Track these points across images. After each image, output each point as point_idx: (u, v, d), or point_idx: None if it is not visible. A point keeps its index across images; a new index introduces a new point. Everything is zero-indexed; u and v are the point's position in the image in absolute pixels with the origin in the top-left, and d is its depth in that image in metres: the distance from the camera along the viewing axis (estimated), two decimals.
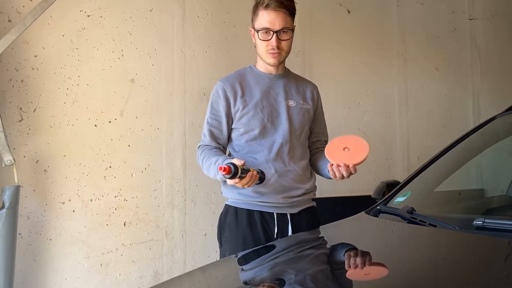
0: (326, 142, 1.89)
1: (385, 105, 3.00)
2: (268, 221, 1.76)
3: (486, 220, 1.19)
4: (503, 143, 1.96)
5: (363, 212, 1.67)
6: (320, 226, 1.71)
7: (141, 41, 2.27)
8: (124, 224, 2.21)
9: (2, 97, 2.00)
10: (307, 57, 2.72)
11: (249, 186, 1.58)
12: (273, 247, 1.58)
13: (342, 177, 1.64)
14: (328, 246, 1.54)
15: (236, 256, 1.58)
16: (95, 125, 2.17)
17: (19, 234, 2.00)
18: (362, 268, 1.18)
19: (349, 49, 2.87)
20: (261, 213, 1.75)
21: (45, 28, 2.08)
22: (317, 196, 1.90)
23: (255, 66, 1.83)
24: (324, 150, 1.68)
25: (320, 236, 1.65)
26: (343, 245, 1.45)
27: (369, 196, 1.85)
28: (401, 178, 1.87)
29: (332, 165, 1.63)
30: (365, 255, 1.29)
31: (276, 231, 1.75)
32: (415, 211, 1.44)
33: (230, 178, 1.51)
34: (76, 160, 2.13)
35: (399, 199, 1.66)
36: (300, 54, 2.69)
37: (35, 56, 2.06)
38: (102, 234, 2.17)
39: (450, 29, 3.27)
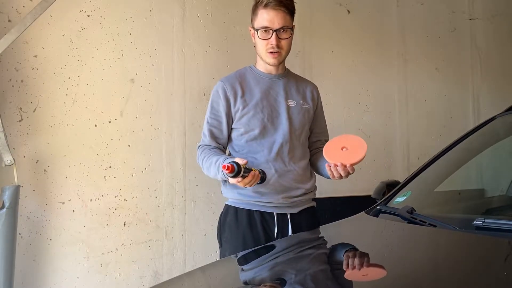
0: (326, 142, 1.89)
1: (385, 105, 3.00)
2: (268, 221, 1.76)
3: (486, 220, 1.19)
4: (503, 143, 1.96)
5: (363, 212, 1.67)
6: (320, 226, 1.71)
7: (141, 41, 2.27)
8: (124, 224, 2.21)
9: (2, 97, 2.00)
10: (307, 57, 2.72)
11: (250, 186, 1.58)
12: (273, 247, 1.58)
13: (341, 177, 1.63)
14: (328, 246, 1.54)
15: (236, 256, 1.58)
16: (95, 125, 2.17)
17: (19, 234, 2.00)
18: (362, 268, 1.18)
19: (349, 49, 2.87)
20: (261, 213, 1.75)
21: (45, 28, 2.08)
22: (317, 196, 1.90)
23: (255, 66, 1.83)
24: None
25: (320, 236, 1.65)
26: (343, 245, 1.45)
27: (369, 196, 1.85)
28: (401, 178, 1.86)
29: (330, 165, 1.63)
30: (365, 255, 1.29)
31: (276, 231, 1.75)
32: (415, 211, 1.44)
33: (233, 177, 1.51)
34: (76, 160, 2.13)
35: (399, 199, 1.66)
36: (300, 54, 2.69)
37: (35, 56, 2.06)
38: (102, 234, 2.17)
39: (450, 29, 3.27)
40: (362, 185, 2.76)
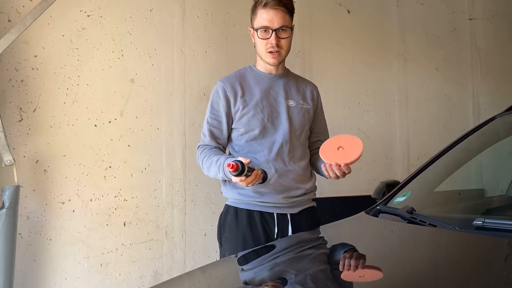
0: None
1: (385, 105, 3.00)
2: (268, 221, 1.76)
3: (486, 220, 1.19)
4: (503, 143, 1.96)
5: (363, 212, 1.67)
6: (320, 226, 1.71)
7: (141, 41, 2.27)
8: (124, 224, 2.21)
9: (2, 97, 2.00)
10: (307, 57, 2.72)
11: (252, 185, 1.58)
12: (273, 247, 1.58)
13: (337, 177, 1.62)
14: (328, 246, 1.54)
15: (236, 256, 1.58)
16: (95, 125, 2.17)
17: (19, 234, 2.00)
18: (362, 268, 1.18)
19: (349, 49, 2.87)
20: (261, 213, 1.75)
21: (45, 28, 2.08)
22: (317, 196, 1.90)
23: (255, 66, 1.83)
24: None
25: (320, 236, 1.65)
26: (343, 245, 1.45)
27: (369, 196, 1.85)
28: (401, 178, 1.86)
29: (326, 165, 1.62)
30: (365, 255, 1.29)
31: (276, 231, 1.75)
32: (415, 211, 1.44)
33: (237, 175, 1.51)
34: (76, 160, 2.12)
35: (399, 199, 1.66)
36: (300, 54, 2.69)
37: (35, 56, 2.06)
38: (102, 234, 2.17)
39: (450, 29, 3.27)
40: (362, 185, 2.76)
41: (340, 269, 1.19)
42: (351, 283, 1.14)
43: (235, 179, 1.55)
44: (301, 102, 1.82)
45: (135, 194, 2.23)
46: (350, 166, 1.60)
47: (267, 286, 1.13)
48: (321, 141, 1.88)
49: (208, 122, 1.78)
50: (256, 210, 1.75)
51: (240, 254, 1.59)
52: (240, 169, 1.48)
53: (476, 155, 1.98)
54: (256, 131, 1.74)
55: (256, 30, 1.72)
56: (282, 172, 1.74)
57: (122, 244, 2.21)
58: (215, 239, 1.90)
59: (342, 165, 1.57)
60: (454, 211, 1.82)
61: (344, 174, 1.62)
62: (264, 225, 1.75)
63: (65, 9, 2.10)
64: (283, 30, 1.70)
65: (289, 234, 1.75)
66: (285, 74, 1.84)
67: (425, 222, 1.35)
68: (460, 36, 3.30)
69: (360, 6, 2.92)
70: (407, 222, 1.41)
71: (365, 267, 1.19)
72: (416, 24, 3.13)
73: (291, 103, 1.79)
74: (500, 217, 1.38)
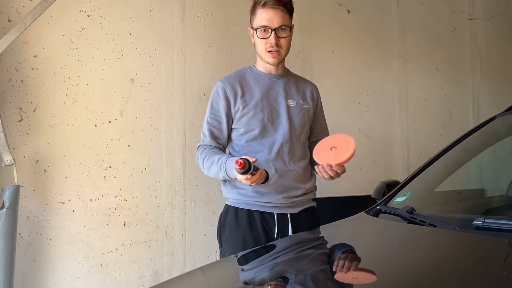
0: None
1: (385, 105, 3.00)
2: (268, 221, 1.76)
3: (486, 220, 1.19)
4: (503, 143, 1.96)
5: (363, 212, 1.67)
6: (320, 226, 1.71)
7: (141, 41, 2.27)
8: (124, 224, 2.21)
9: (2, 97, 2.00)
10: (307, 57, 2.72)
11: (256, 185, 1.58)
12: (273, 247, 1.58)
13: (331, 177, 1.62)
14: (328, 246, 1.54)
15: (236, 256, 1.58)
16: (95, 125, 2.17)
17: (19, 234, 2.00)
18: (361, 268, 1.18)
19: (349, 49, 2.87)
20: (261, 213, 1.75)
21: (45, 28, 2.08)
22: (317, 196, 1.90)
23: (254, 66, 1.83)
24: None
25: (320, 236, 1.65)
26: (343, 245, 1.45)
27: (369, 196, 1.84)
28: (401, 178, 1.86)
29: (319, 167, 1.61)
30: (364, 255, 1.29)
31: (276, 231, 1.75)
32: (415, 211, 1.44)
33: (243, 173, 1.51)
34: (76, 160, 2.12)
35: (399, 199, 1.66)
36: (300, 54, 2.69)
37: (35, 56, 2.06)
38: (102, 234, 2.17)
39: (450, 29, 3.27)
40: (362, 185, 2.76)
41: (340, 269, 1.19)
42: (351, 283, 1.14)
43: (241, 177, 1.54)
44: (301, 102, 1.82)
45: (135, 194, 2.23)
46: (344, 165, 1.59)
47: (269, 285, 1.13)
48: None
49: (208, 122, 1.78)
50: (256, 210, 1.75)
51: (240, 254, 1.59)
52: (247, 167, 1.49)
53: (476, 155, 1.98)
54: (256, 131, 1.74)
55: (256, 30, 1.72)
56: (282, 172, 1.74)
57: (122, 244, 2.21)
58: (215, 239, 1.90)
59: (333, 165, 1.56)
60: (454, 211, 1.82)
61: (338, 174, 1.61)
62: (264, 225, 1.75)
63: (65, 9, 2.10)
64: (282, 29, 1.71)
65: (289, 234, 1.75)
66: (285, 74, 1.84)
67: (425, 222, 1.35)
68: (460, 36, 3.30)
69: (360, 6, 2.92)
70: (407, 222, 1.41)
71: (364, 267, 1.19)
72: (416, 24, 3.13)
73: (291, 103, 1.80)
74: (500, 217, 1.38)
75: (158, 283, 1.70)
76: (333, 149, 1.57)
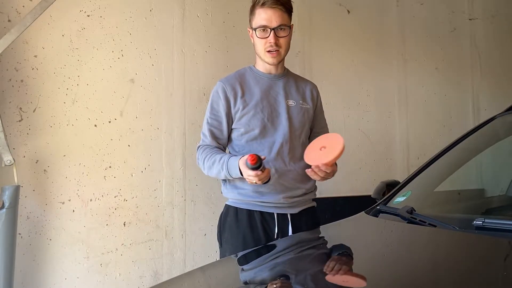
0: None
1: (385, 105, 3.00)
2: (268, 221, 1.75)
3: (486, 220, 1.19)
4: (503, 143, 1.96)
5: (363, 212, 1.67)
6: (320, 226, 1.71)
7: (141, 41, 2.27)
8: (124, 224, 2.21)
9: (2, 97, 2.00)
10: (307, 57, 2.72)
11: (261, 183, 1.58)
12: (273, 247, 1.58)
13: (322, 178, 1.63)
14: (328, 246, 1.54)
15: (236, 256, 1.58)
16: (95, 125, 2.17)
17: (19, 234, 2.00)
18: (361, 268, 1.18)
19: (349, 49, 2.87)
20: (262, 213, 1.75)
21: (45, 28, 2.08)
22: (317, 196, 1.90)
23: (254, 66, 1.83)
24: None
25: (320, 236, 1.65)
26: (343, 245, 1.45)
27: (369, 196, 1.84)
28: (401, 178, 1.86)
29: (308, 170, 1.62)
30: (364, 255, 1.29)
31: (276, 231, 1.75)
32: (415, 211, 1.44)
33: (255, 169, 1.51)
34: (76, 160, 2.12)
35: (399, 199, 1.66)
36: (300, 54, 2.69)
37: (35, 56, 2.06)
38: (102, 234, 2.17)
39: (450, 29, 3.27)
40: (362, 185, 2.76)
41: (340, 269, 1.19)
42: (351, 283, 1.14)
43: (250, 173, 1.54)
44: (300, 101, 1.82)
45: (135, 194, 2.23)
46: (335, 164, 1.59)
47: (270, 286, 1.13)
48: None
49: (208, 122, 1.78)
50: (256, 210, 1.75)
51: (240, 254, 1.59)
52: (259, 163, 1.50)
53: (476, 155, 1.98)
54: (256, 131, 1.74)
55: (255, 29, 1.72)
56: (282, 172, 1.74)
57: (122, 244, 2.21)
58: (215, 239, 1.90)
59: (320, 165, 1.57)
60: (454, 211, 1.82)
61: (328, 174, 1.63)
62: (264, 225, 1.75)
63: (65, 9, 2.10)
64: (281, 29, 1.71)
65: (289, 234, 1.75)
66: (285, 74, 1.84)
67: (425, 222, 1.35)
68: (460, 36, 3.30)
69: (360, 6, 2.92)
70: (407, 222, 1.41)
71: (365, 266, 1.19)
72: (416, 24, 3.13)
73: (291, 102, 1.80)
74: (500, 217, 1.38)
75: (158, 283, 1.70)
76: (322, 149, 1.58)
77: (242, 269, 1.43)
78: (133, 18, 2.25)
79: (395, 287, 1.03)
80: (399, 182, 1.81)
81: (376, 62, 2.96)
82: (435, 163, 1.79)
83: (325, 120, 1.95)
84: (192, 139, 2.32)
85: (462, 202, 2.09)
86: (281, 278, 1.19)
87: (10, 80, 2.02)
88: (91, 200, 2.15)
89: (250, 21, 1.77)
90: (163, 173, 2.30)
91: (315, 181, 1.85)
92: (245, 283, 1.28)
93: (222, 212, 1.85)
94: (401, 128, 3.04)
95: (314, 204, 1.88)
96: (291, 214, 1.77)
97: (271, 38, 1.70)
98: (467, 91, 3.31)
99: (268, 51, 1.72)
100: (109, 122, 2.19)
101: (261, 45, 1.73)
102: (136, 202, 2.23)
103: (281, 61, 1.79)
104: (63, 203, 2.10)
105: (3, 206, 1.88)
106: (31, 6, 2.01)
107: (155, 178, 2.28)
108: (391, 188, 1.79)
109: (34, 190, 2.05)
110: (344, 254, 1.31)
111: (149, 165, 2.27)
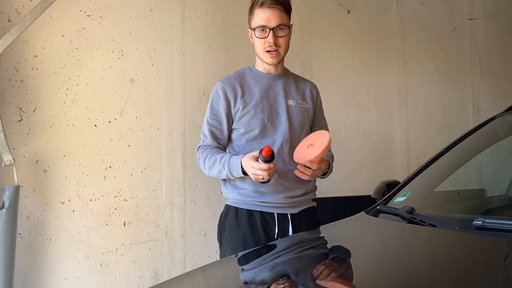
0: None
1: (385, 105, 3.00)
2: (268, 221, 1.75)
3: (486, 220, 1.19)
4: (503, 143, 1.96)
5: (363, 212, 1.67)
6: (320, 226, 1.71)
7: (141, 41, 2.27)
8: (124, 224, 2.21)
9: (2, 97, 2.00)
10: (307, 57, 2.72)
11: (268, 178, 1.58)
12: (274, 247, 1.58)
13: (310, 177, 1.66)
14: (328, 246, 1.54)
15: (236, 256, 1.58)
16: (95, 125, 2.17)
17: (19, 234, 2.00)
18: (361, 268, 1.18)
19: (349, 49, 2.87)
20: (262, 213, 1.75)
21: (45, 28, 2.08)
22: (317, 196, 1.90)
23: (254, 67, 1.83)
24: None
25: (320, 236, 1.65)
26: (343, 245, 1.45)
27: (369, 196, 1.85)
28: (401, 178, 1.86)
29: (295, 171, 1.64)
30: (364, 255, 1.29)
31: (276, 231, 1.75)
32: (415, 211, 1.44)
33: (268, 161, 1.52)
34: (76, 160, 2.12)
35: (399, 199, 1.66)
36: (300, 54, 2.69)
37: (35, 56, 2.06)
38: (102, 234, 2.17)
39: (450, 29, 3.27)
40: (362, 185, 2.76)
41: (340, 269, 1.19)
42: (351, 283, 1.14)
43: (262, 166, 1.53)
44: (300, 101, 1.82)
45: (135, 194, 2.23)
46: (323, 161, 1.61)
47: (270, 286, 1.13)
48: None
49: (208, 122, 1.78)
50: (256, 210, 1.75)
51: (240, 254, 1.59)
52: (272, 156, 1.51)
53: (476, 155, 1.98)
54: (256, 131, 1.74)
55: (254, 30, 1.72)
56: (283, 172, 1.74)
57: (122, 244, 2.21)
58: (215, 239, 1.90)
59: (304, 162, 1.59)
60: (454, 211, 1.82)
61: (315, 172, 1.65)
62: (265, 225, 1.75)
63: (65, 9, 2.10)
64: (280, 28, 1.71)
65: (289, 234, 1.75)
66: (285, 73, 1.84)
67: (425, 222, 1.35)
68: (460, 36, 3.30)
69: (360, 6, 2.92)
70: (407, 222, 1.41)
71: (365, 266, 1.19)
72: (416, 24, 3.13)
73: (291, 102, 1.80)
74: (500, 217, 1.38)
75: (158, 283, 1.70)
76: (309, 146, 1.58)
77: (242, 269, 1.43)
78: (133, 18, 2.25)
79: (395, 287, 1.03)
80: (399, 182, 1.81)
81: (376, 62, 2.96)
82: (435, 163, 1.79)
83: (325, 119, 1.95)
84: (192, 139, 2.33)
85: (462, 202, 2.09)
86: (281, 278, 1.19)
87: (10, 80, 2.02)
88: (91, 200, 2.15)
89: (249, 21, 1.77)
90: (163, 173, 2.30)
91: (315, 181, 1.85)
92: (245, 283, 1.28)
93: (222, 212, 1.85)
94: (401, 128, 3.04)
95: (314, 204, 1.88)
96: (291, 214, 1.77)
97: (270, 38, 1.70)
98: (467, 91, 3.31)
99: (267, 51, 1.72)
100: (109, 122, 2.19)
101: (260, 45, 1.73)
102: (136, 202, 2.23)
103: (280, 61, 1.79)
104: (63, 203, 2.10)
105: (3, 206, 1.88)
106: (31, 6, 2.01)
107: (155, 178, 2.28)
108: (391, 188, 1.79)
109: (34, 190, 2.05)
110: (344, 255, 1.31)
111: (149, 165, 2.27)
